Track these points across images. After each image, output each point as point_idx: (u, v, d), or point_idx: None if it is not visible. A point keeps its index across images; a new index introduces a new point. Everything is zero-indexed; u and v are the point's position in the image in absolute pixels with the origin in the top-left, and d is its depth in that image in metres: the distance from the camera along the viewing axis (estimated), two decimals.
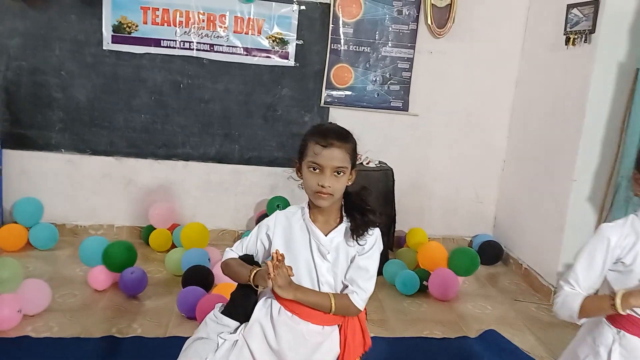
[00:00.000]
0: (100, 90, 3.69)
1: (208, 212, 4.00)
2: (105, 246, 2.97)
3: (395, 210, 3.61)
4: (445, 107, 4.07)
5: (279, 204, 3.64)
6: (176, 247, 3.65)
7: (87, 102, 3.70)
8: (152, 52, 3.68)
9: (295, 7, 3.75)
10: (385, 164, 3.68)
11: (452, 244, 4.19)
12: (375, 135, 4.02)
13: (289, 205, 3.64)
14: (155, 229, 3.76)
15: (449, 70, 4.01)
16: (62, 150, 3.75)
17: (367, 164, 3.55)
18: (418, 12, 3.88)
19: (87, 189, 3.84)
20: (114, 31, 3.61)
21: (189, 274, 2.96)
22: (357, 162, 3.43)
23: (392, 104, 4.01)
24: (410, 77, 3.98)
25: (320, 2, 3.78)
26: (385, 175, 3.52)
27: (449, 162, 4.16)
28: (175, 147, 3.87)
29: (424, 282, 3.21)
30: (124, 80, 3.70)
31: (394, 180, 3.56)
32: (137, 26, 3.62)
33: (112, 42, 3.62)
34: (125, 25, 3.61)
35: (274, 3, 3.73)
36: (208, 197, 3.99)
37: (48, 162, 3.74)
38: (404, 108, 4.02)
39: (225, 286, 2.80)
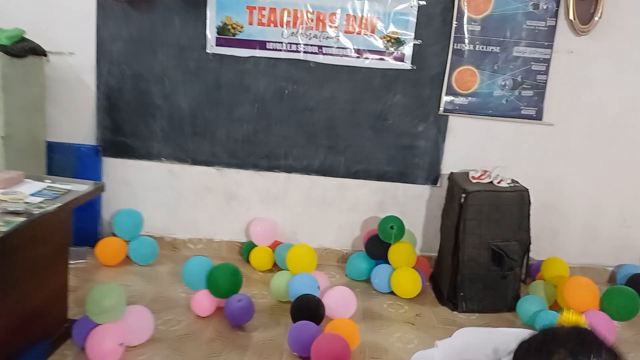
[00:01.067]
0: (203, 98, 3.54)
1: (310, 229, 3.75)
2: (210, 269, 2.77)
3: (530, 236, 3.16)
4: (586, 115, 3.56)
5: (392, 225, 3.30)
6: (277, 266, 3.43)
7: (189, 110, 3.56)
8: (257, 55, 3.47)
9: (414, 2, 3.40)
10: (518, 182, 3.23)
11: (591, 275, 3.66)
12: (502, 148, 3.60)
13: (403, 227, 3.32)
14: (255, 245, 3.55)
15: (592, 73, 3.50)
16: (163, 159, 3.63)
17: (499, 182, 3.13)
18: (558, 5, 3.40)
19: (188, 201, 3.71)
20: (218, 33, 3.43)
21: (299, 305, 2.71)
22: (487, 181, 3.06)
23: (523, 112, 3.55)
24: (546, 81, 3.50)
25: None
26: (520, 197, 3.08)
27: (589, 180, 3.64)
28: (277, 159, 3.65)
29: None
30: (227, 87, 3.52)
31: (529, 202, 3.11)
32: (242, 27, 3.42)
33: (217, 45, 3.45)
34: (230, 27, 3.42)
35: None
36: (311, 212, 3.74)
37: (149, 171, 3.65)
38: (538, 116, 3.55)
39: (340, 322, 2.52)
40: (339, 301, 2.83)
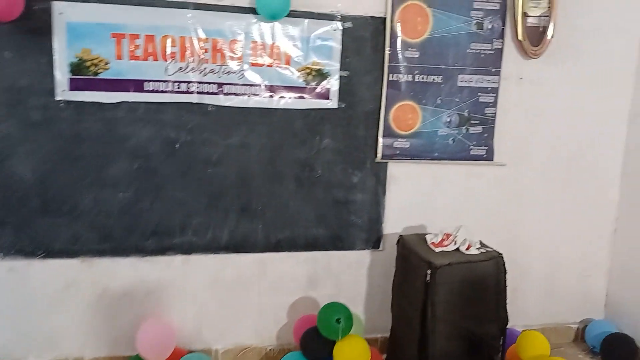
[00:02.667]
0: (55, 159, 2.57)
1: (220, 323, 2.93)
2: None
3: (507, 313, 2.60)
4: (541, 152, 3.14)
5: (339, 317, 2.57)
6: None
7: (35, 178, 2.57)
8: (132, 99, 2.58)
9: (337, 24, 2.74)
10: (488, 246, 2.67)
11: (555, 335, 3.26)
12: (451, 197, 3.07)
13: (351, 316, 2.62)
14: None
15: (545, 101, 3.09)
16: (0, 254, 2.58)
17: (467, 249, 2.54)
18: (504, 24, 2.93)
19: (40, 309, 2.69)
20: (72, 72, 2.50)
21: None
22: (453, 247, 2.46)
23: (472, 152, 3.03)
24: (495, 114, 3.01)
25: (371, 17, 2.78)
26: (496, 265, 2.52)
27: (547, 226, 3.23)
28: (170, 236, 2.77)
29: None
30: (91, 142, 2.60)
31: (505, 270, 2.56)
32: (107, 63, 2.52)
33: (71, 89, 2.52)
34: (89, 63, 2.50)
35: (306, 20, 2.71)
36: (220, 301, 2.91)
37: None
38: (488, 157, 3.05)
39: None
40: None
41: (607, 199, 3.26)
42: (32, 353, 2.72)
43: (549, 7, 2.93)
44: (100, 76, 2.52)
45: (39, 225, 2.62)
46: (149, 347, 2.66)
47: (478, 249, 2.59)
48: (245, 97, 2.71)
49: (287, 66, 2.73)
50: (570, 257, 3.30)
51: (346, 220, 2.96)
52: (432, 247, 2.61)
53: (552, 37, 2.95)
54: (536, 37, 2.96)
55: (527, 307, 3.27)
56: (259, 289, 2.95)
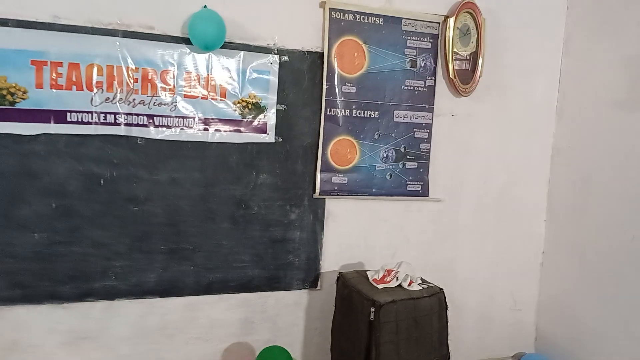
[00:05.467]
0: None
1: None
2: None
3: (449, 348, 2.71)
4: (473, 186, 3.35)
5: None
6: None
7: None
8: (52, 131, 2.47)
9: (274, 57, 2.81)
10: (429, 282, 2.78)
11: None
12: (389, 234, 3.17)
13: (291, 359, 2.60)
14: None
15: (476, 138, 3.31)
16: None
17: (409, 285, 2.63)
18: (435, 62, 3.13)
19: None
20: None
21: None
22: (395, 284, 2.54)
23: (409, 188, 3.17)
24: (430, 149, 3.18)
25: (308, 51, 2.88)
26: (438, 301, 2.62)
27: (480, 261, 3.42)
28: (90, 280, 2.65)
29: None
30: (1, 179, 2.43)
31: (447, 306, 2.67)
32: (25, 92, 2.41)
33: None
34: (5, 92, 2.38)
35: (243, 52, 2.75)
36: (142, 353, 2.81)
37: None
38: (424, 192, 3.21)
39: None
40: None
41: (534, 232, 3.51)
42: None
43: (477, 47, 3.16)
44: (18, 106, 2.40)
45: None
46: None
47: (420, 284, 2.68)
48: (178, 129, 2.68)
49: (223, 99, 2.74)
50: (502, 291, 3.50)
51: (283, 260, 2.97)
52: (373, 283, 2.67)
53: (480, 75, 3.18)
54: (466, 75, 3.17)
55: (462, 343, 3.40)
56: (187, 336, 2.87)
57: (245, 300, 2.95)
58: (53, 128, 2.48)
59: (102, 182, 2.61)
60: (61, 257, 2.59)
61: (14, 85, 2.39)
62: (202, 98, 2.70)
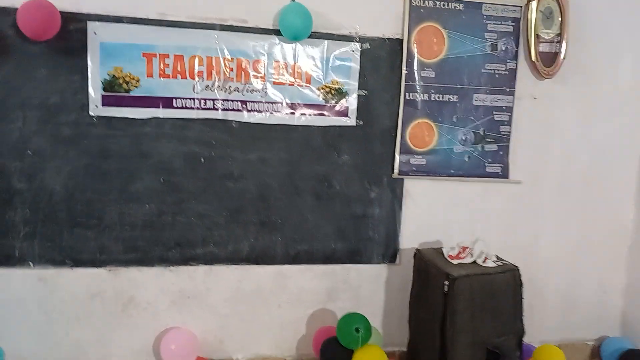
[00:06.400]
0: (83, 174, 2.84)
1: (242, 334, 3.15)
2: None
3: (523, 323, 2.81)
4: (556, 168, 3.37)
5: (358, 327, 2.79)
6: None
7: (64, 192, 2.84)
8: (161, 115, 2.85)
9: (355, 45, 3.02)
10: (503, 259, 2.89)
11: (572, 351, 3.44)
12: (467, 213, 3.30)
13: (370, 326, 2.83)
14: None
15: (559, 120, 3.33)
16: (30, 263, 2.83)
17: (484, 262, 2.77)
18: (517, 45, 3.19)
19: (65, 317, 2.93)
20: (105, 89, 2.78)
21: None
22: (469, 260, 2.69)
23: (487, 170, 3.27)
24: (510, 132, 3.25)
25: (388, 38, 3.05)
26: (513, 278, 2.74)
27: (563, 243, 3.44)
28: (193, 247, 3.02)
29: None
30: (118, 157, 2.87)
31: (521, 283, 2.77)
32: (138, 81, 2.80)
33: (103, 105, 2.80)
34: (121, 81, 2.79)
35: (326, 41, 2.98)
36: (241, 313, 3.13)
37: (10, 282, 2.84)
38: (504, 174, 3.29)
39: None
40: None
41: (623, 215, 3.48)
42: None
43: (561, 29, 3.18)
44: (132, 93, 2.80)
45: (67, 237, 2.87)
46: (172, 356, 2.88)
47: (494, 262, 2.81)
48: (268, 113, 2.98)
49: (308, 85, 3.00)
50: (586, 274, 3.50)
51: (364, 235, 3.20)
52: (449, 259, 2.83)
53: (564, 58, 3.20)
54: (549, 58, 3.21)
55: (543, 323, 3.45)
56: (279, 301, 3.18)
57: (329, 270, 3.20)
58: (161, 113, 2.86)
59: (202, 160, 2.96)
60: (169, 226, 2.98)
61: (128, 74, 2.79)
62: (289, 84, 2.98)
